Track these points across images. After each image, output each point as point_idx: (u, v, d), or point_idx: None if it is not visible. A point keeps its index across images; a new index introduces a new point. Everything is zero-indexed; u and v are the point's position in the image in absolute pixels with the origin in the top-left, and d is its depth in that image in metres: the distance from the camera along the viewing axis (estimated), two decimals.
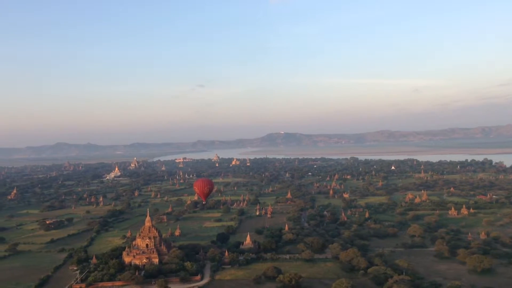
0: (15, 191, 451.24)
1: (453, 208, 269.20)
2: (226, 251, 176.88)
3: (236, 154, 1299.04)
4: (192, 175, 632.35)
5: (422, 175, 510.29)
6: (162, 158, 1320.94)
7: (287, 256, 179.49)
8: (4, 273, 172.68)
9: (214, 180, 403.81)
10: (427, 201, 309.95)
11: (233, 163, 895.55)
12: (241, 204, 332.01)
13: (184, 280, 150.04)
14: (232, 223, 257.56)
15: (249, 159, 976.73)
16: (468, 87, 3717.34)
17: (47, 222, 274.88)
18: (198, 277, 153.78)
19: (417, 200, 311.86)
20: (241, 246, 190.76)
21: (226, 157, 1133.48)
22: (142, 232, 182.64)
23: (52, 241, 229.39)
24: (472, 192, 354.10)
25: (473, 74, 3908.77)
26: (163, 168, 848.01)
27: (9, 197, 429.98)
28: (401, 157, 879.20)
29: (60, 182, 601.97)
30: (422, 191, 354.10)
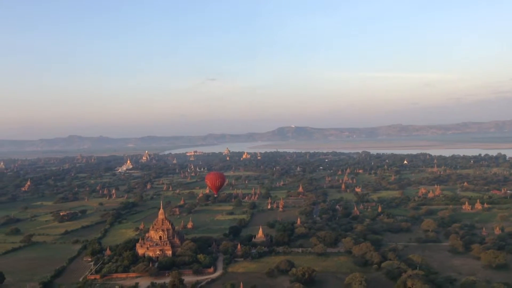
0: (29, 183, 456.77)
1: (467, 203, 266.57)
2: (239, 244, 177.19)
3: (246, 148, 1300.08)
4: (203, 169, 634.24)
5: (435, 169, 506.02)
6: (173, 151, 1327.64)
7: (300, 250, 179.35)
8: (20, 263, 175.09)
9: (225, 174, 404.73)
10: (441, 195, 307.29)
11: (244, 156, 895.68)
12: (253, 197, 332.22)
13: (197, 272, 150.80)
14: (244, 216, 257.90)
15: (260, 153, 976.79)
16: (481, 81, 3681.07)
17: (61, 213, 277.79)
18: (211, 269, 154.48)
19: (430, 194, 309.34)
20: (253, 239, 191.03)
21: (237, 151, 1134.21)
22: (155, 224, 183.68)
23: (66, 232, 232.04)
24: (486, 187, 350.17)
25: (487, 68, 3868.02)
26: (174, 161, 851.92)
27: (23, 189, 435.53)
28: (414, 152, 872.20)
29: (73, 174, 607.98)
30: (435, 186, 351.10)
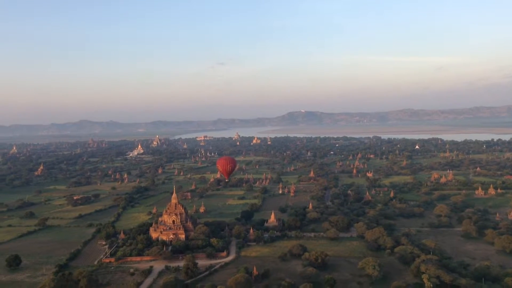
0: (41, 167, 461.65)
1: (480, 188, 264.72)
2: (251, 229, 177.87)
3: (256, 133, 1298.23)
4: (214, 154, 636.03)
5: (447, 154, 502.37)
6: (183, 136, 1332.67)
7: (312, 235, 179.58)
8: (36, 246, 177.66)
9: (235, 159, 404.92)
10: (453, 180, 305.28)
11: (254, 141, 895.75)
12: (264, 182, 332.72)
13: (210, 256, 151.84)
14: (255, 201, 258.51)
15: (270, 138, 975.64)
16: (494, 64, 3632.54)
17: (75, 197, 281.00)
18: (224, 253, 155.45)
19: (442, 179, 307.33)
20: (265, 224, 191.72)
21: (247, 136, 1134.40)
22: (168, 208, 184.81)
23: (80, 216, 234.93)
24: (499, 172, 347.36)
25: (499, 52, 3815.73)
26: (185, 146, 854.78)
27: (36, 173, 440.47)
28: (425, 136, 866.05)
29: (85, 159, 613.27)
30: (448, 171, 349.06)
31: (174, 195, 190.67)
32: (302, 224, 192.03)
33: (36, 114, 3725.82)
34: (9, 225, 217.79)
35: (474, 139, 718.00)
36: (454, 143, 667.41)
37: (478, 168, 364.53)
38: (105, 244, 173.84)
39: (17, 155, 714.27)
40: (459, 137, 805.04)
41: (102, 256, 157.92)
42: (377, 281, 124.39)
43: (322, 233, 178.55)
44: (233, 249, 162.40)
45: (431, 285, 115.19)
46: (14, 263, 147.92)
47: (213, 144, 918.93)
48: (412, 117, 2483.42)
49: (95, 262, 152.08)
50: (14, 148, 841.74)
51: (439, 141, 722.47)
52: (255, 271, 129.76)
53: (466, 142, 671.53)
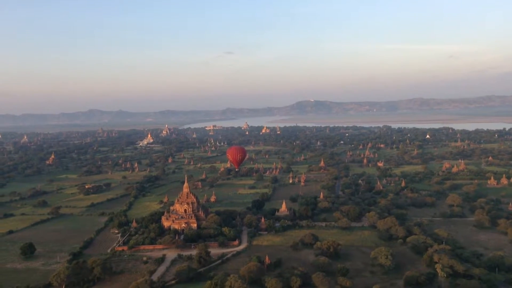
0: (53, 156, 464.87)
1: (492, 178, 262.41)
2: (263, 218, 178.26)
3: (265, 122, 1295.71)
4: (223, 143, 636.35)
5: (458, 144, 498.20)
6: (192, 126, 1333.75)
7: (323, 224, 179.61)
8: (49, 235, 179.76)
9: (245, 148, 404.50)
10: (465, 170, 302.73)
11: (263, 131, 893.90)
12: (274, 172, 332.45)
13: (222, 245, 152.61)
14: (266, 190, 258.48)
15: (279, 127, 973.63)
16: (505, 53, 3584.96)
17: (86, 186, 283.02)
18: (236, 242, 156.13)
19: (454, 169, 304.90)
20: (276, 213, 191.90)
21: (256, 125, 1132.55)
22: (180, 197, 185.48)
23: (92, 205, 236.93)
24: (511, 162, 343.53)
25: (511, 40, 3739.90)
26: (194, 136, 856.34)
27: (47, 162, 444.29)
28: (436, 126, 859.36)
29: (95, 148, 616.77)
30: (459, 160, 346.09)
31: (186, 184, 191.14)
32: (313, 213, 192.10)
33: (46, 103, 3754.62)
34: (23, 214, 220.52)
35: (485, 129, 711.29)
36: (465, 132, 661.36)
37: (490, 158, 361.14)
38: (118, 233, 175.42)
39: (28, 144, 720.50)
40: (470, 127, 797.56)
41: (115, 245, 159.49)
42: (390, 271, 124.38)
43: (333, 223, 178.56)
44: (244, 238, 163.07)
45: (445, 275, 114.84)
46: (29, 251, 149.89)
47: (222, 134, 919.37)
48: (422, 106, 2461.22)
49: (108, 250, 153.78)
50: (25, 137, 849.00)
51: (450, 131, 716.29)
52: (267, 260, 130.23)
53: (477, 132, 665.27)
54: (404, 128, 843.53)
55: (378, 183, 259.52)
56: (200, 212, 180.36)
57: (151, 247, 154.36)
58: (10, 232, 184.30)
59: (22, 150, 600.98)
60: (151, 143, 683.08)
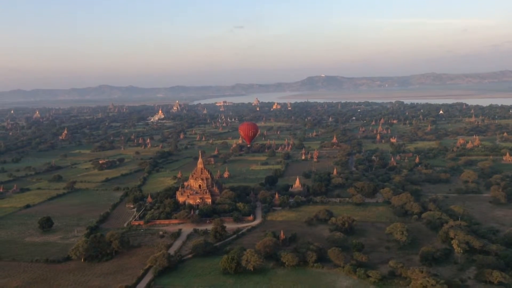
0: (65, 131, 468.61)
1: (507, 154, 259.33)
2: (276, 194, 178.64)
3: (275, 98, 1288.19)
4: (234, 119, 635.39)
5: (472, 119, 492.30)
6: (202, 102, 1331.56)
7: (337, 200, 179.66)
8: (66, 209, 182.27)
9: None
10: (480, 146, 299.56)
11: (274, 107, 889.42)
12: (286, 148, 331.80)
13: (237, 220, 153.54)
14: (279, 166, 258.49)
15: (290, 103, 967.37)
16: None
17: (100, 162, 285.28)
18: (251, 217, 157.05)
19: (469, 145, 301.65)
20: (290, 189, 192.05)
21: (266, 101, 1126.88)
22: (194, 173, 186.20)
23: (106, 180, 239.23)
24: None
25: None
26: (205, 112, 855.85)
27: (60, 137, 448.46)
28: (449, 101, 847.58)
29: (107, 124, 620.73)
30: (474, 136, 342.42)
31: (200, 160, 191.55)
32: (327, 189, 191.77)
33: (56, 79, 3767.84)
34: (38, 188, 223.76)
35: (500, 104, 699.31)
36: (479, 108, 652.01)
37: (505, 134, 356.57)
38: (133, 207, 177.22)
39: (41, 120, 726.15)
40: (484, 102, 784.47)
41: (131, 219, 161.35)
42: (405, 246, 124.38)
43: (347, 199, 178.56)
44: (259, 214, 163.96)
45: (461, 251, 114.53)
46: (46, 225, 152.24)
47: (232, 110, 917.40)
48: (435, 81, 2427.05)
49: (125, 225, 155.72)
50: (37, 112, 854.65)
51: (464, 106, 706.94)
52: (282, 235, 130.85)
53: (491, 107, 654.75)
54: (417, 103, 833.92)
55: (392, 159, 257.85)
56: (214, 188, 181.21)
57: (166, 221, 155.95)
58: (27, 206, 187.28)
59: (35, 125, 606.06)
60: (162, 119, 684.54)
